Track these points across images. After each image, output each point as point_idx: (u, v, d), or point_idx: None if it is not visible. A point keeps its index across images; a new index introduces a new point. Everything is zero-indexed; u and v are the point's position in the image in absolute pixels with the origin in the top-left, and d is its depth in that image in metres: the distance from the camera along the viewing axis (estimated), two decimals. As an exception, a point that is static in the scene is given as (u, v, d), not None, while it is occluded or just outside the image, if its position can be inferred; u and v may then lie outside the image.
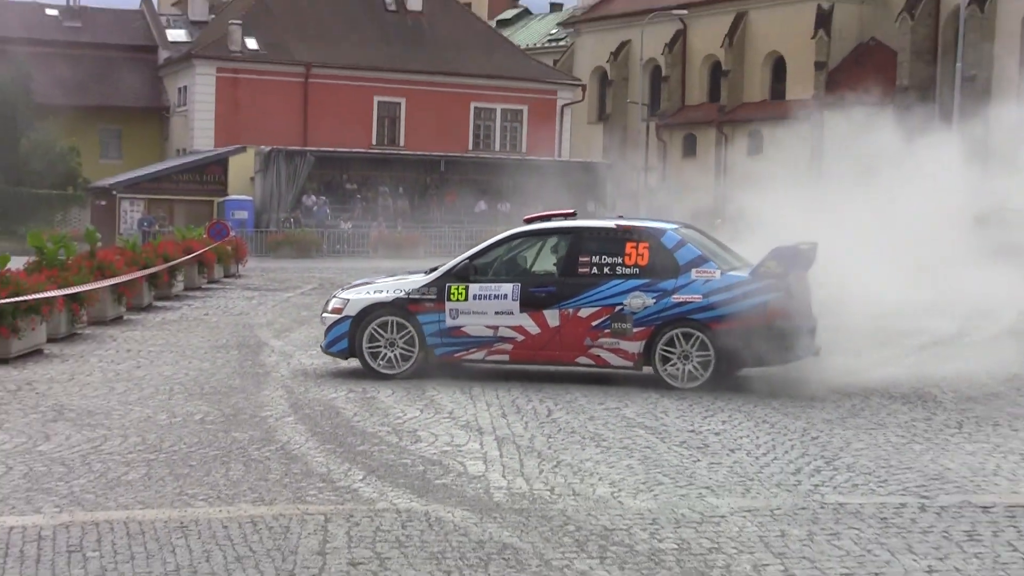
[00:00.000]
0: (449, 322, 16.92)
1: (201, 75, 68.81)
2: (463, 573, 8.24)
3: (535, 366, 17.72)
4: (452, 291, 16.95)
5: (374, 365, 17.00)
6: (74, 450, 12.09)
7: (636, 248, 17.10)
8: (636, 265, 16.95)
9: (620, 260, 17.02)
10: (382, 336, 17.00)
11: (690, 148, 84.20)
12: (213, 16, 76.85)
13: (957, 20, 59.25)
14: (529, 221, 18.48)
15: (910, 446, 12.93)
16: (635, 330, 16.68)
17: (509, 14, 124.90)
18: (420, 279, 17.39)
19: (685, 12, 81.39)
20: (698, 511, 9.85)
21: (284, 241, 54.48)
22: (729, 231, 45.26)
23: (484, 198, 62.20)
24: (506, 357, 17.21)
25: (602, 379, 17.39)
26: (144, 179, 61.82)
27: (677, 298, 16.64)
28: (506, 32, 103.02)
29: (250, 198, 57.87)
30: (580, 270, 17.07)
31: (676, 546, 8.86)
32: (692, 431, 13.65)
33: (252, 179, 60.15)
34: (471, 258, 17.42)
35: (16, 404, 14.74)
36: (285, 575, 8.12)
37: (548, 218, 18.32)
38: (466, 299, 16.94)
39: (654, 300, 16.68)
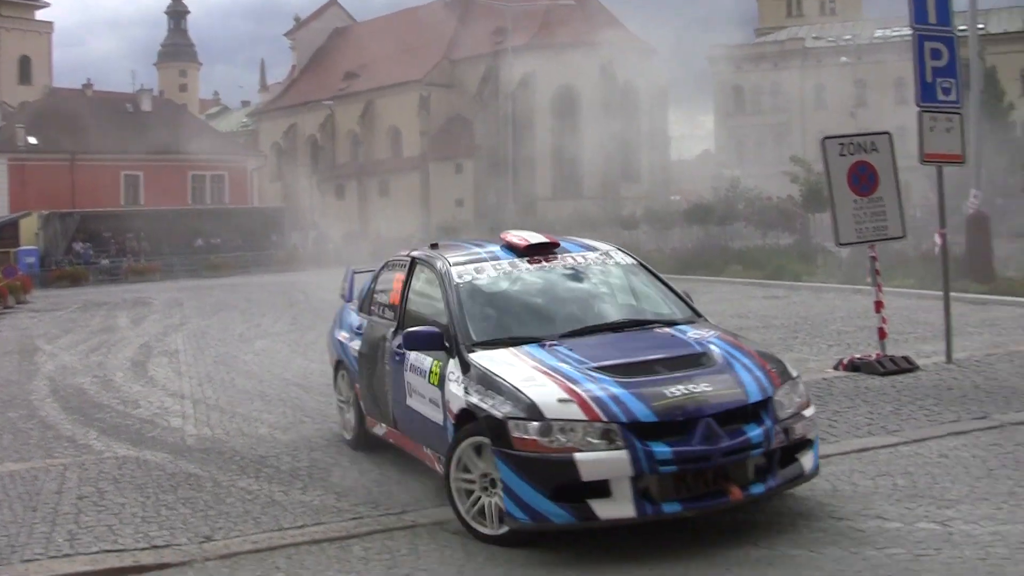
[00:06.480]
0: None
1: (-4, 164, 66.58)
2: (158, 496, 7.81)
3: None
4: None
5: None
6: None
7: None
8: None
9: None
10: None
11: (340, 193, 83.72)
12: (4, 122, 72.45)
13: (512, 100, 60.56)
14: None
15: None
16: None
17: (214, 110, 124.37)
18: None
19: (332, 102, 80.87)
20: (326, 439, 9.63)
21: (62, 276, 51.36)
22: (374, 244, 45.27)
23: (200, 237, 60.60)
24: None
25: (270, 351, 16.96)
26: (-42, 238, 58.25)
27: None
28: (212, 122, 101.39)
29: (36, 248, 54.97)
30: None
31: (309, 464, 8.62)
32: (329, 384, 13.24)
33: (37, 234, 57.31)
34: None
35: None
36: (30, 509, 7.54)
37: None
38: None
39: None
